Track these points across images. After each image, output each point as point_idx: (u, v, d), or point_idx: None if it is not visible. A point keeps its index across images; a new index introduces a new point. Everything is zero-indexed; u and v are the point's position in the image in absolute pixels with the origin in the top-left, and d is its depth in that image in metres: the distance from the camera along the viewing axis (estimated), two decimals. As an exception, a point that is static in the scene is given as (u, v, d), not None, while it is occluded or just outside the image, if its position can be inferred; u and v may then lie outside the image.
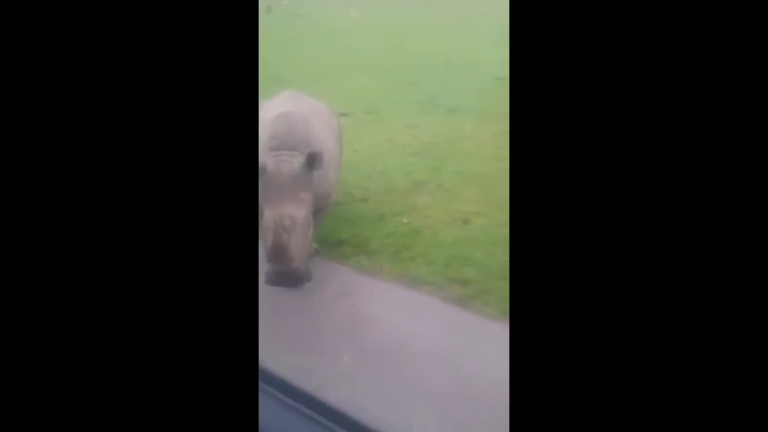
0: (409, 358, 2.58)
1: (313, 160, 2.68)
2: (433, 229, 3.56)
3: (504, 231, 3.21)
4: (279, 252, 2.60)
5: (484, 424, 2.03)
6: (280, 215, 2.59)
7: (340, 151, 3.31)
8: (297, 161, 2.70)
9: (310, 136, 2.87)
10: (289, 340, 2.65)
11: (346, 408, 0.74)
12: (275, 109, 3.05)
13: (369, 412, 2.27)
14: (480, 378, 2.23)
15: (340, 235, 3.49)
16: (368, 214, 3.73)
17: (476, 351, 2.50)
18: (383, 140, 5.04)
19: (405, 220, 3.66)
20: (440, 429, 2.19)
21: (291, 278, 2.72)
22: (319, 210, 2.94)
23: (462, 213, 3.70)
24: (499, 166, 4.01)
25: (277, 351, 2.13)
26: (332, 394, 2.33)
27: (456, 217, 3.66)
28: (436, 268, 3.17)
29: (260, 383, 0.75)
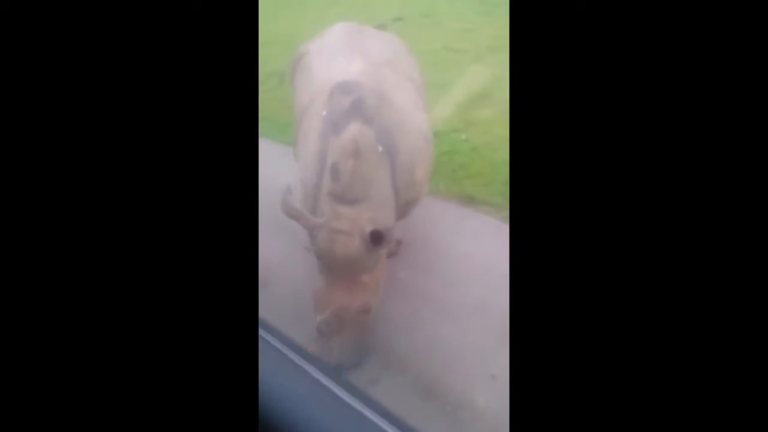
0: (465, 276, 2.59)
1: (378, 239, 1.97)
2: (493, 146, 3.37)
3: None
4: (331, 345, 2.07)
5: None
6: (334, 311, 2.01)
7: (427, 122, 2.44)
8: (356, 242, 1.97)
9: (390, 146, 2.10)
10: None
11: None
12: (332, 66, 2.34)
13: (423, 329, 2.37)
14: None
15: (394, 152, 3.40)
16: (423, 130, 3.58)
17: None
18: (439, 47, 4.66)
19: (463, 137, 3.48)
20: (495, 346, 2.25)
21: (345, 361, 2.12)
22: (402, 210, 2.32)
23: (524, 128, 3.45)
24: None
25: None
26: (388, 307, 2.45)
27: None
28: (494, 188, 3.05)
29: (261, 332, 0.77)
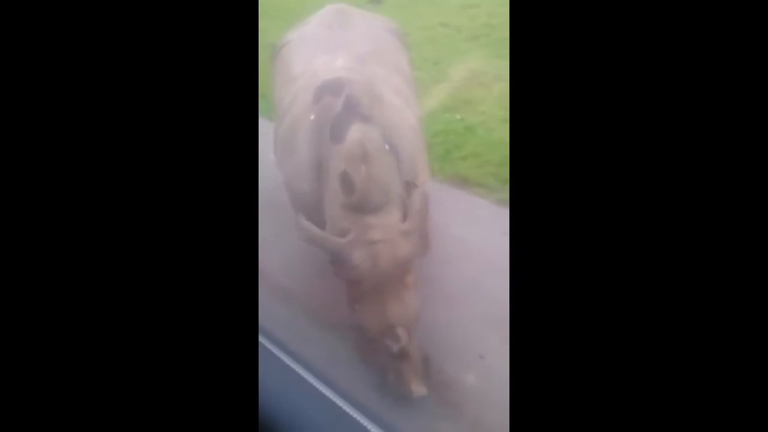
0: (457, 258, 2.58)
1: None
2: (488, 126, 3.32)
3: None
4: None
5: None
6: (400, 326, 1.81)
7: (417, 116, 2.29)
8: (400, 245, 1.80)
9: (395, 145, 1.92)
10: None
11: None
12: (313, 61, 2.17)
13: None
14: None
15: (388, 131, 3.35)
16: (418, 109, 3.52)
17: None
18: (436, 23, 4.55)
19: (458, 117, 3.42)
20: (484, 327, 2.26)
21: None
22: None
23: (520, 108, 3.40)
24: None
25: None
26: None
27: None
28: (488, 169, 3.01)
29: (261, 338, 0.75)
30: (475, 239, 2.67)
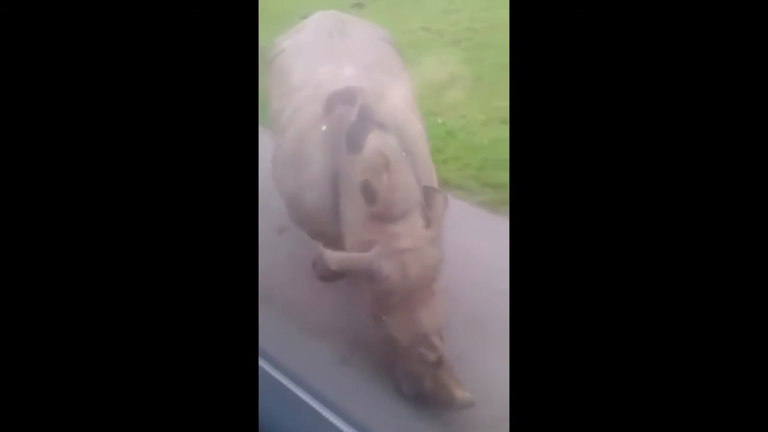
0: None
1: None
2: (469, 130, 3.36)
3: (545, 133, 3.00)
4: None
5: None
6: (416, 337, 1.77)
7: (420, 121, 2.27)
8: (429, 253, 1.78)
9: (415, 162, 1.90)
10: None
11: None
12: (316, 70, 2.11)
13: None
14: (496, 281, 2.24)
15: (370, 135, 3.36)
16: (400, 113, 3.54)
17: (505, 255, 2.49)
18: (418, 27, 4.59)
19: (439, 120, 3.45)
20: (462, 327, 2.28)
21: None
22: None
23: (501, 111, 3.44)
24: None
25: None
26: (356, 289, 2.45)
27: (494, 116, 3.41)
28: (469, 172, 3.05)
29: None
30: (455, 242, 2.70)
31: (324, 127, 1.96)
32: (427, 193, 1.92)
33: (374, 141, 1.83)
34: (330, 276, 2.43)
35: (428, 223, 1.85)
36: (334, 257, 1.80)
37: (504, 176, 2.97)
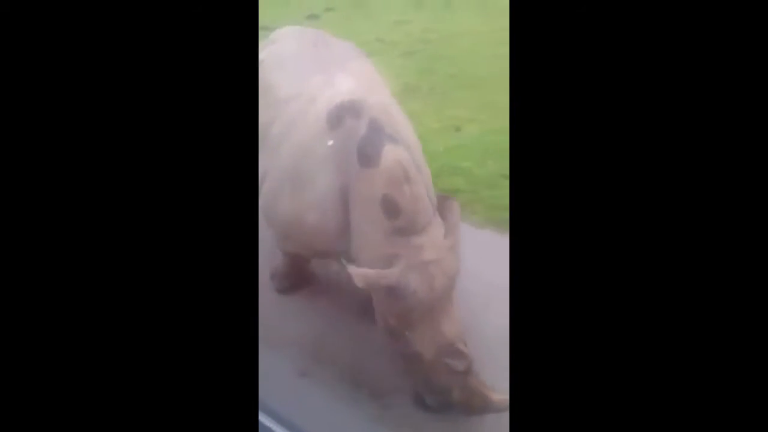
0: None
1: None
2: (424, 138, 3.40)
3: (496, 138, 3.09)
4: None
5: (476, 329, 2.10)
6: (442, 348, 1.74)
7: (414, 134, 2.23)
8: (452, 263, 1.77)
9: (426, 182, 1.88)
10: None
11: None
12: (306, 83, 2.04)
13: (349, 323, 2.36)
14: (465, 284, 2.27)
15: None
16: (356, 122, 3.55)
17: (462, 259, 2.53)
18: (372, 38, 4.64)
19: (394, 129, 3.50)
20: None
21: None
22: None
23: (455, 120, 3.53)
24: (497, 66, 3.73)
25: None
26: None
27: (448, 124, 3.49)
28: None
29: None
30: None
31: (330, 142, 1.89)
32: (441, 201, 1.90)
33: (391, 153, 1.79)
34: (287, 288, 2.39)
35: (446, 233, 1.83)
36: (359, 274, 1.73)
37: (459, 182, 3.03)
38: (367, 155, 1.80)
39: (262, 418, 0.76)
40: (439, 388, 1.80)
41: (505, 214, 2.59)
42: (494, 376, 1.79)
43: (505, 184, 2.90)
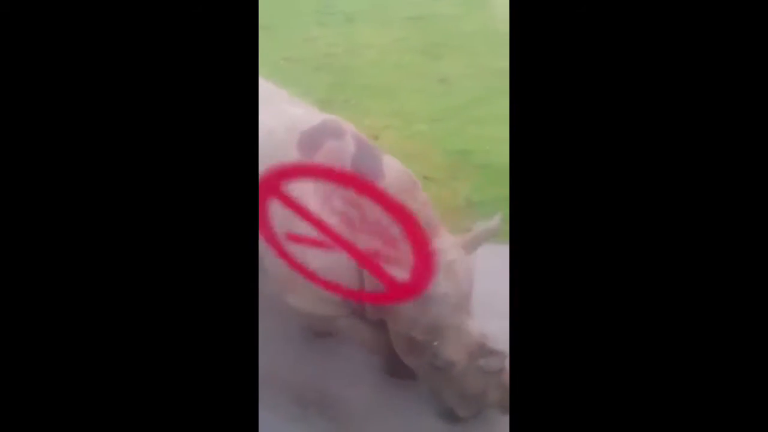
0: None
1: None
2: (345, 150, 3.49)
3: (412, 144, 3.24)
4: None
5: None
6: (473, 350, 1.71)
7: None
8: (470, 261, 1.76)
9: None
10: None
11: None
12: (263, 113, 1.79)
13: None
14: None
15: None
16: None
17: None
18: (279, 58, 4.66)
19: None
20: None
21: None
22: None
23: (372, 129, 3.64)
24: (402, 73, 3.92)
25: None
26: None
27: (367, 134, 3.59)
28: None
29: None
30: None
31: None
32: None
33: (392, 163, 1.73)
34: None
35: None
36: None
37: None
38: (367, 171, 1.70)
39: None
40: (470, 395, 1.73)
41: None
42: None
43: (429, 184, 3.04)
